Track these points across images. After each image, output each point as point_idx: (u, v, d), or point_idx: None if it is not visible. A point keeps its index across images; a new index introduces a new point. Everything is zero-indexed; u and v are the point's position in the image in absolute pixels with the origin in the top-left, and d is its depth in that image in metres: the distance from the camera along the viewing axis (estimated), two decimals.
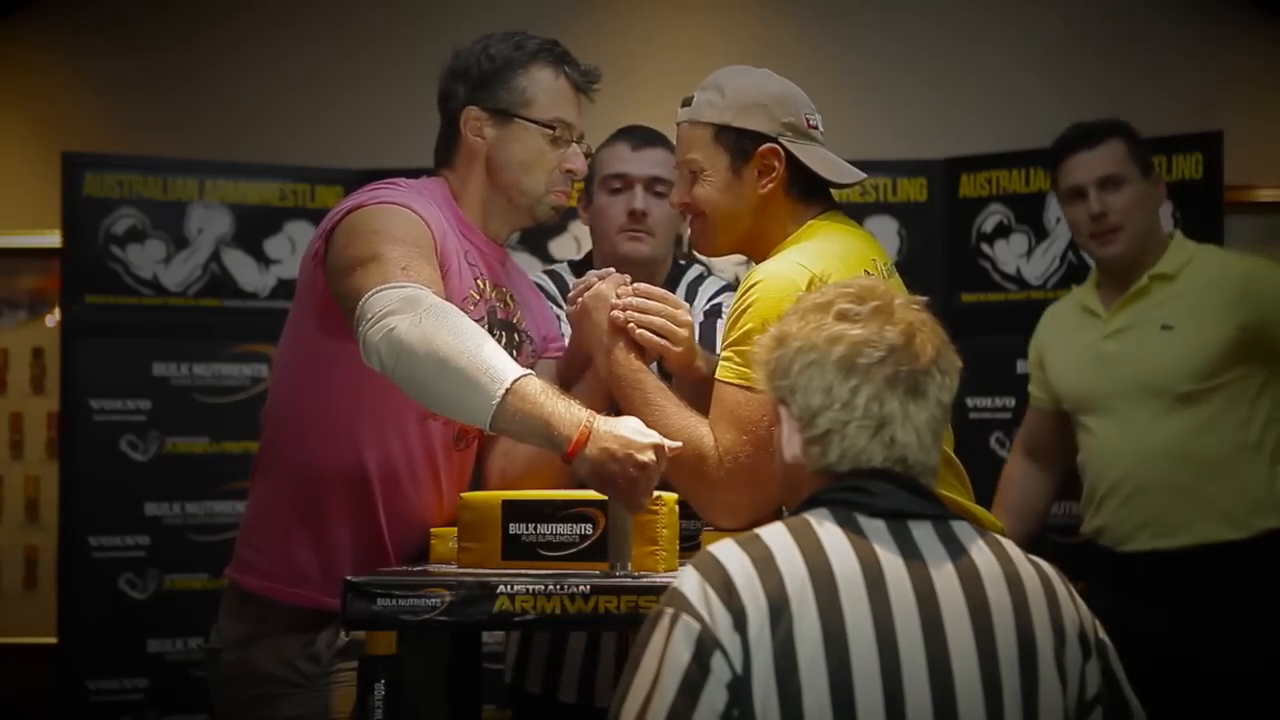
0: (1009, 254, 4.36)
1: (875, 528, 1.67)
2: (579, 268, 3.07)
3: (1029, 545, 3.61)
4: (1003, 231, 4.39)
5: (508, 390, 2.05)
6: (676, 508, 2.19)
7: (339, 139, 4.98)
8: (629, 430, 2.05)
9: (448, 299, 2.24)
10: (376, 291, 2.16)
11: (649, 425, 2.15)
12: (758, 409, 2.15)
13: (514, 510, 2.20)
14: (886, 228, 4.41)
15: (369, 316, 2.14)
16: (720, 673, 1.57)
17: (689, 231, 2.49)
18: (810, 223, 2.35)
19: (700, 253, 2.53)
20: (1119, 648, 1.74)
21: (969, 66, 4.96)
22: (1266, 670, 3.15)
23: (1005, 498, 3.59)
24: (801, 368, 1.73)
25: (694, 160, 2.40)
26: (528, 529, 2.19)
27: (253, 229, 4.56)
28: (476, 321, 2.23)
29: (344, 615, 2.07)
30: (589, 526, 2.17)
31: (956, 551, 1.68)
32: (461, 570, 2.19)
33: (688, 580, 1.65)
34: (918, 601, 1.62)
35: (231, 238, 4.54)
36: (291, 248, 4.58)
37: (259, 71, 5.07)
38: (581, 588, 2.04)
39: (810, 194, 2.36)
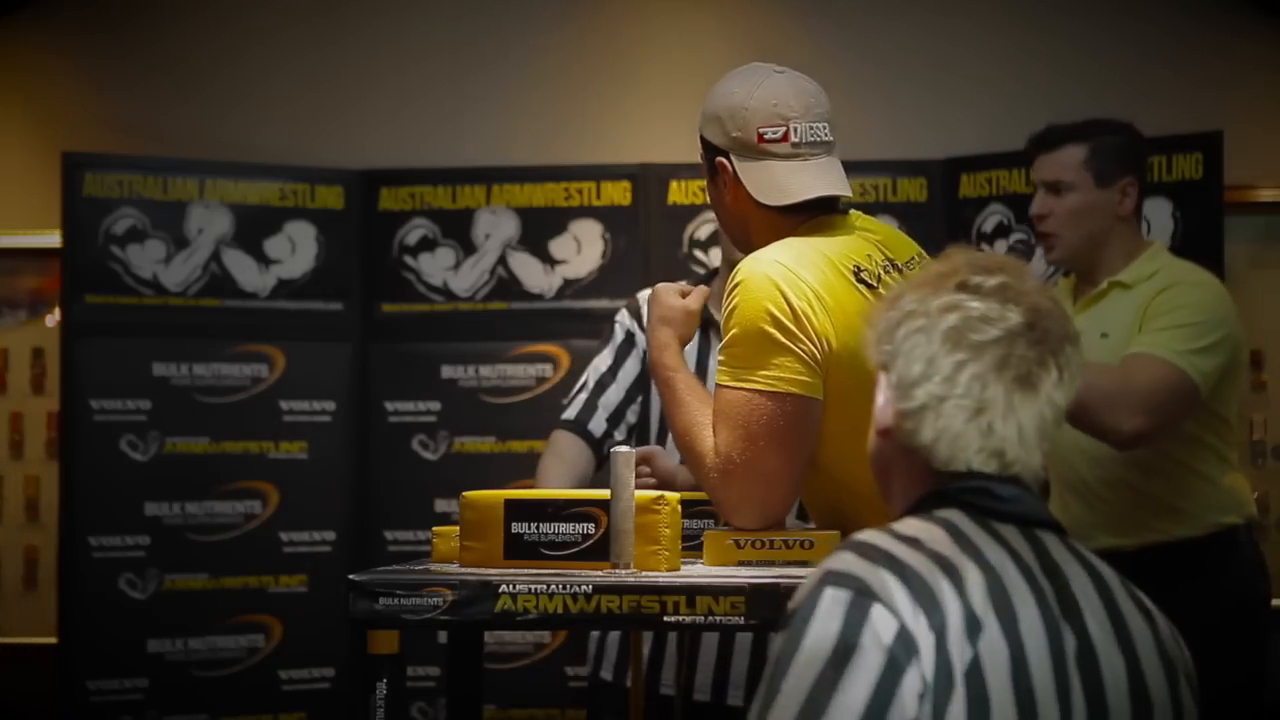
0: (1009, 253, 4.36)
1: (1012, 534, 1.55)
2: None
3: None
4: (1003, 231, 4.40)
5: None
6: (679, 507, 2.20)
7: (339, 139, 4.98)
8: None
9: None
10: None
11: (671, 417, 2.29)
12: (750, 408, 2.16)
13: (516, 509, 2.20)
14: None
15: None
16: (914, 681, 1.41)
17: None
18: (794, 234, 2.31)
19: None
20: None
21: (969, 67, 4.97)
22: (1244, 672, 3.16)
23: None
24: (907, 333, 1.58)
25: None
26: (530, 528, 2.19)
27: (253, 229, 4.56)
28: None
29: (347, 614, 2.07)
30: (591, 526, 2.17)
31: (1089, 568, 1.57)
32: (463, 569, 2.19)
33: (864, 567, 1.47)
34: (1069, 621, 1.51)
35: (231, 238, 4.54)
36: (291, 248, 4.59)
37: (260, 72, 5.08)
38: (583, 587, 2.05)
39: (789, 208, 2.31)
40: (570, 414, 3.29)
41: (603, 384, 3.30)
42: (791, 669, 1.44)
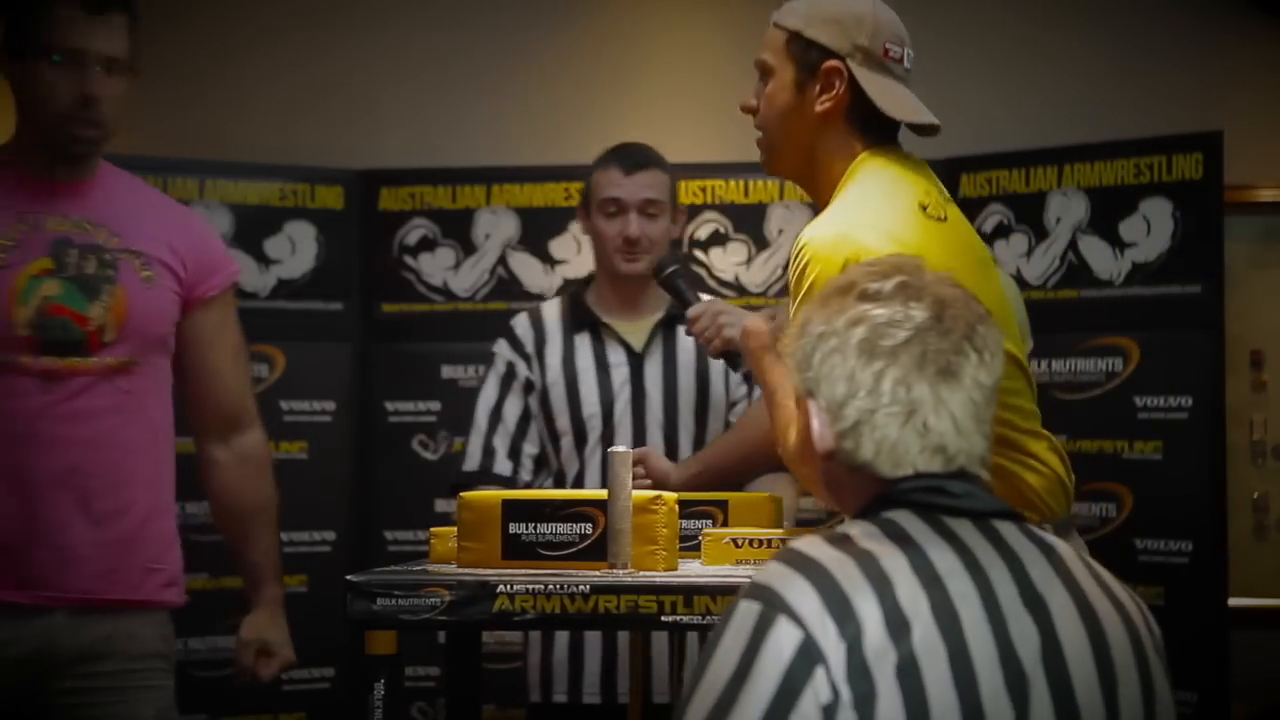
0: (1009, 254, 4.36)
1: (963, 527, 1.55)
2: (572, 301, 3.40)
3: None
4: (1003, 231, 4.39)
5: None
6: (676, 507, 2.20)
7: (339, 139, 4.98)
8: None
9: None
10: None
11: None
12: None
13: (514, 509, 2.21)
14: None
15: None
16: (820, 691, 1.41)
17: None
18: (861, 156, 2.28)
19: (765, 170, 2.44)
20: None
21: (967, 67, 4.97)
22: None
23: None
24: (823, 356, 1.60)
25: (763, 61, 2.33)
26: (527, 528, 2.19)
27: (253, 229, 4.55)
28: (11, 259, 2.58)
29: (345, 614, 2.08)
30: (589, 526, 2.17)
31: (1047, 551, 1.57)
32: (461, 569, 2.19)
33: (783, 576, 1.48)
34: (1026, 606, 1.50)
35: (231, 238, 4.53)
36: (291, 248, 4.58)
37: (260, 72, 5.08)
38: (581, 587, 2.05)
39: (870, 127, 2.29)
40: (472, 464, 3.28)
41: (492, 425, 3.29)
42: (700, 684, 1.47)
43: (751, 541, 2.21)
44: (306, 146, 4.92)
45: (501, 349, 3.35)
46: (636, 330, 3.29)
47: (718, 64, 5.01)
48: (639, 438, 3.24)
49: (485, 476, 3.24)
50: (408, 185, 4.64)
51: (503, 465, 3.26)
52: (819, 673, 1.41)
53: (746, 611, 1.47)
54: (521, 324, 3.37)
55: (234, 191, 4.55)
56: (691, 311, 2.91)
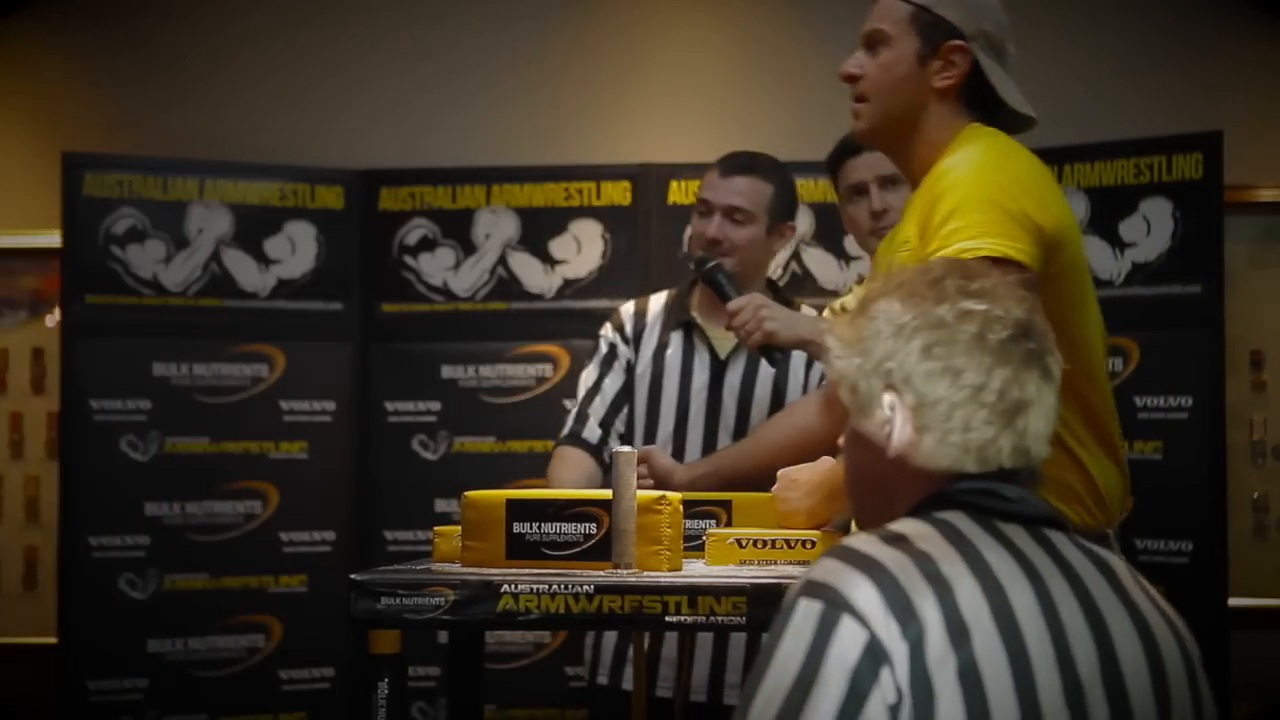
0: None
1: (1017, 533, 1.51)
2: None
3: None
4: None
5: None
6: (680, 507, 2.20)
7: (339, 139, 4.98)
8: None
9: None
10: None
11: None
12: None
13: (518, 509, 2.20)
14: None
15: None
16: (886, 692, 1.38)
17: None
18: (972, 125, 2.30)
19: (858, 138, 2.45)
20: None
21: None
22: None
23: None
24: (923, 348, 1.52)
25: (881, 32, 2.33)
26: (532, 528, 2.19)
27: (253, 229, 4.55)
28: None
29: (349, 613, 2.07)
30: (593, 526, 2.17)
31: (1104, 567, 1.53)
32: (465, 569, 2.19)
33: (842, 574, 1.44)
34: (1086, 619, 1.47)
35: (231, 238, 4.54)
36: (291, 248, 4.58)
37: (260, 72, 5.07)
38: (585, 587, 2.05)
39: (976, 107, 2.32)
40: (565, 431, 3.36)
41: (590, 396, 3.37)
42: (762, 687, 1.43)
43: (755, 542, 2.20)
44: (307, 146, 4.92)
45: (606, 332, 3.42)
46: (726, 336, 3.28)
47: (718, 64, 5.01)
48: (709, 442, 3.28)
49: (573, 440, 3.31)
50: (408, 185, 4.64)
51: (592, 432, 3.31)
52: (885, 673, 1.38)
53: (807, 611, 1.43)
54: (627, 310, 3.43)
55: (234, 191, 4.55)
56: (732, 305, 2.90)
